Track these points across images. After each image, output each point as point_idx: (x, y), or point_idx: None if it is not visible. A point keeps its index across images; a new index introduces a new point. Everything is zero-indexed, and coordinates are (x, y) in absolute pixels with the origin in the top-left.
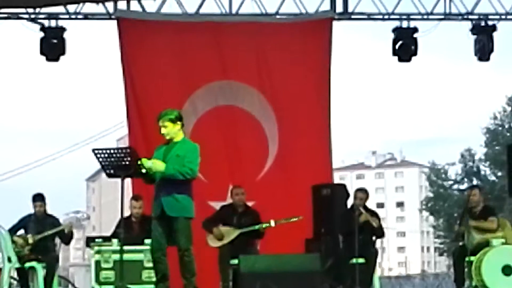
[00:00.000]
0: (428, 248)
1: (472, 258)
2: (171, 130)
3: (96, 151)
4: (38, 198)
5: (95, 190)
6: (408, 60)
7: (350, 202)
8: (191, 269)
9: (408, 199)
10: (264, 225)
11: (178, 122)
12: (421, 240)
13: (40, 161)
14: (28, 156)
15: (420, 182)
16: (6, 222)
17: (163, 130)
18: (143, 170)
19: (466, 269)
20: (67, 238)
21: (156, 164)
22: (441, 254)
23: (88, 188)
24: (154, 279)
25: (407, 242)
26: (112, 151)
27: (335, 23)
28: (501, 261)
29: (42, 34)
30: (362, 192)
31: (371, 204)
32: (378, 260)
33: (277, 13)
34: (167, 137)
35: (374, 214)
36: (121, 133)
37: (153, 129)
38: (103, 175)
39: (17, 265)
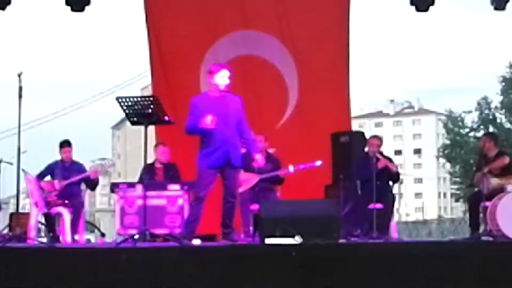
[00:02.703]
0: (444, 194)
1: (487, 203)
2: None
3: (120, 100)
4: (65, 145)
5: (120, 137)
6: (426, 10)
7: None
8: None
9: (425, 146)
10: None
11: None
12: (438, 186)
13: (67, 110)
14: (55, 105)
15: (437, 129)
16: (34, 168)
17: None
18: None
19: (481, 214)
20: (92, 184)
21: None
22: (457, 200)
23: (114, 136)
24: (176, 224)
25: (424, 188)
26: (136, 99)
27: None
28: None
29: None
30: (377, 139)
31: (389, 151)
32: (396, 205)
33: None
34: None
35: (389, 160)
36: (145, 82)
37: (176, 78)
38: (128, 123)
39: (44, 210)
